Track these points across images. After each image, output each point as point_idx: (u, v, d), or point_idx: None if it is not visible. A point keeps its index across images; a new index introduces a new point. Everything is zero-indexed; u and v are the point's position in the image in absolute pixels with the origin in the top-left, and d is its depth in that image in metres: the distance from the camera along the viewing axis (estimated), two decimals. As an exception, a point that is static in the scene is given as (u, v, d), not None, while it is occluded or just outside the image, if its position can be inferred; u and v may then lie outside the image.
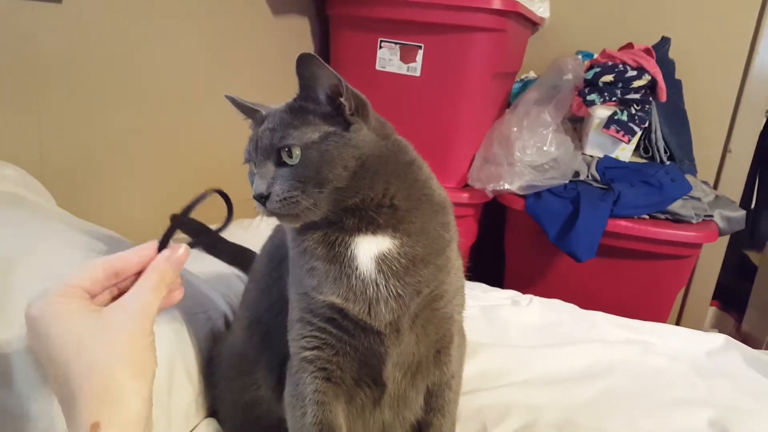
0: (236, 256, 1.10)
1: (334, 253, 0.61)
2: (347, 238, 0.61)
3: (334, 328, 0.63)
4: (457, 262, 0.69)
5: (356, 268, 0.60)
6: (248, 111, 0.67)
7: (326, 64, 0.57)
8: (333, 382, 0.65)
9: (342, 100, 0.59)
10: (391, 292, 0.61)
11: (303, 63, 0.57)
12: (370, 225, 0.61)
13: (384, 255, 0.61)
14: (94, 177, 1.16)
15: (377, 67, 1.69)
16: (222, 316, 0.94)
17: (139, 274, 0.53)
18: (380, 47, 1.68)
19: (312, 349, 0.65)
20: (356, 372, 0.66)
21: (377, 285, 0.60)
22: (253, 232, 1.22)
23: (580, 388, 0.98)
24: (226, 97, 0.68)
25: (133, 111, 1.22)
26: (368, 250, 0.61)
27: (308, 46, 1.87)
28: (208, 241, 1.14)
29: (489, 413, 0.89)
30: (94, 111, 1.13)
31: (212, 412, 0.86)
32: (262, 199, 0.58)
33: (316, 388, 0.65)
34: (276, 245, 0.77)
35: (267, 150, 0.60)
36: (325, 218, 0.60)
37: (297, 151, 0.58)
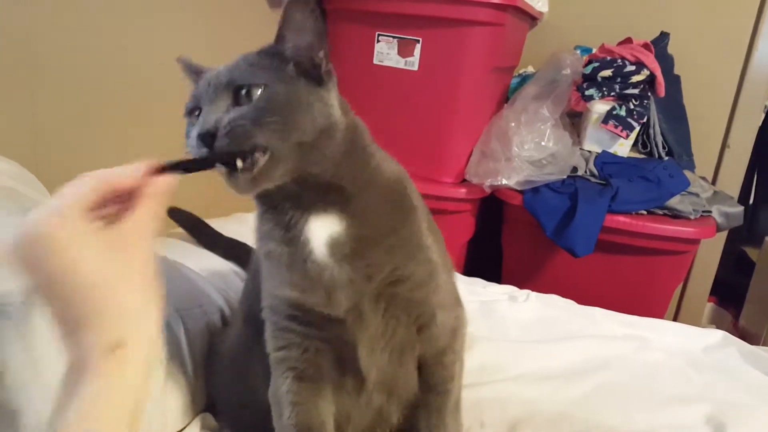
0: (232, 250, 1.10)
1: (290, 237, 0.59)
2: (301, 219, 0.58)
3: (297, 326, 0.62)
4: (427, 241, 0.65)
5: (310, 253, 0.58)
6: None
7: (316, 17, 0.54)
8: (307, 381, 0.64)
9: (320, 55, 0.56)
10: (345, 276, 0.59)
11: (291, 7, 0.54)
12: (320, 202, 0.58)
13: (334, 238, 0.59)
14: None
15: (375, 61, 1.68)
16: (218, 311, 0.94)
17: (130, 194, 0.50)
18: (378, 41, 1.67)
19: (280, 349, 0.64)
20: (335, 363, 0.65)
21: (331, 270, 0.59)
22: (248, 225, 1.22)
23: (577, 382, 0.98)
24: (179, 60, 0.63)
25: (129, 105, 1.21)
26: (321, 233, 0.59)
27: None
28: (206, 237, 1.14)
29: (486, 407, 0.89)
30: (88, 105, 1.12)
31: (208, 406, 0.86)
32: (208, 138, 0.50)
33: (288, 388, 0.64)
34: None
35: (223, 87, 0.53)
36: (285, 189, 0.56)
37: (259, 91, 0.52)
